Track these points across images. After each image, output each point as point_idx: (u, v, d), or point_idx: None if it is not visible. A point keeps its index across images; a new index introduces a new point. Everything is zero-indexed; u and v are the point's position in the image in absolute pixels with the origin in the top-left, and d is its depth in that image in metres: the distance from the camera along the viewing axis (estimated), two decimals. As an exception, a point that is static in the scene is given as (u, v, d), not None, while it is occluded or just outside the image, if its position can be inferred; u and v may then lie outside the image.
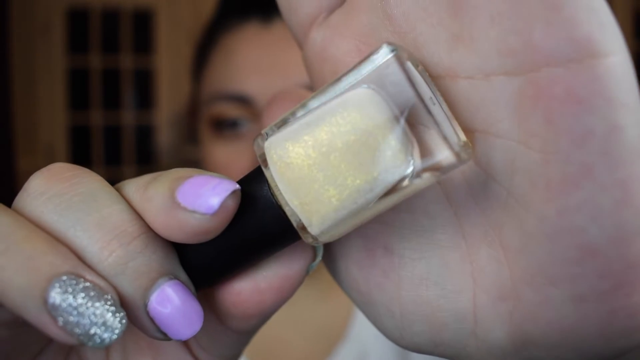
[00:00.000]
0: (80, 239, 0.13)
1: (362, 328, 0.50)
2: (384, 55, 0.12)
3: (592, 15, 0.11)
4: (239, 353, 0.19)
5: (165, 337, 0.14)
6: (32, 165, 1.53)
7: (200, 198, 0.13)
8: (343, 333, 0.50)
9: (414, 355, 0.49)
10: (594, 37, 0.10)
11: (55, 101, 1.51)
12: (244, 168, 0.47)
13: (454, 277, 0.14)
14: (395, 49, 0.12)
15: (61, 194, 0.13)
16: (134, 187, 0.14)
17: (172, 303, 0.13)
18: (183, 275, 0.15)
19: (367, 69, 0.12)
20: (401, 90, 0.12)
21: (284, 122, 0.13)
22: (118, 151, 1.58)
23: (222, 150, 0.48)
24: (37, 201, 0.13)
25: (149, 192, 0.14)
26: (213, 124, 0.48)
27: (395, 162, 0.12)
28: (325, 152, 0.12)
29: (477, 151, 0.13)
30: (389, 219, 0.15)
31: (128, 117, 1.59)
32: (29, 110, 1.49)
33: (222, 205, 0.13)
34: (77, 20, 1.52)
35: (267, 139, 0.13)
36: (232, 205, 0.14)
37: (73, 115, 1.54)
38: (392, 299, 0.15)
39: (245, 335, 0.18)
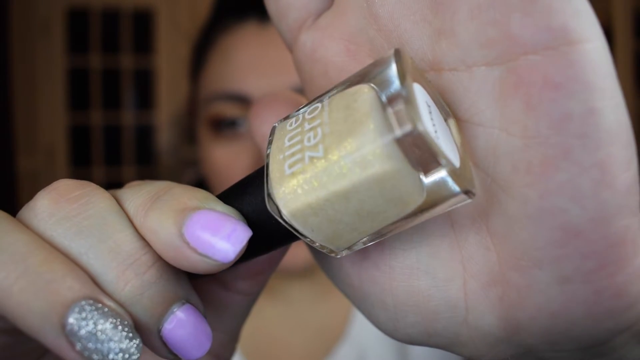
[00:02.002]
0: (94, 267, 0.13)
1: (361, 328, 0.50)
2: (391, 90, 0.12)
3: (567, 3, 0.11)
4: (239, 327, 0.19)
5: (177, 357, 0.14)
6: (32, 165, 1.53)
7: (214, 247, 0.13)
8: (342, 333, 0.50)
9: (413, 354, 0.49)
10: (569, 25, 0.11)
11: (55, 101, 1.51)
12: (242, 168, 0.47)
13: (444, 266, 0.14)
14: (410, 104, 0.11)
15: (70, 216, 0.13)
16: (132, 207, 0.14)
17: (184, 327, 0.14)
18: (194, 297, 0.15)
19: (382, 124, 0.12)
20: (419, 145, 0.11)
21: (293, 180, 0.12)
22: (118, 151, 1.58)
23: (221, 150, 0.48)
24: (46, 224, 0.13)
25: (150, 222, 0.14)
26: (211, 124, 0.48)
27: (415, 202, 0.12)
28: (345, 203, 0.12)
29: (463, 137, 0.13)
30: None
31: (128, 117, 1.59)
32: (29, 110, 1.49)
33: (237, 254, 0.13)
34: (77, 20, 1.52)
35: (280, 200, 0.13)
36: (245, 247, 0.14)
37: (73, 115, 1.54)
38: (385, 290, 0.15)
39: (250, 297, 0.18)
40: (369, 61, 0.15)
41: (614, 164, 0.11)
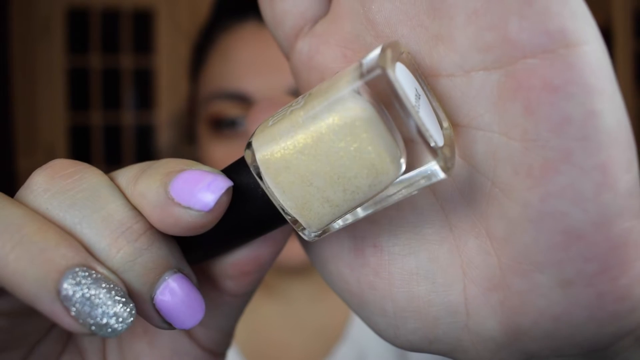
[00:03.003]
0: (88, 236, 0.13)
1: (360, 328, 0.50)
2: (372, 61, 0.12)
3: (564, 6, 0.11)
4: (233, 325, 0.19)
5: (170, 326, 0.15)
6: (32, 165, 1.52)
7: (196, 196, 0.13)
8: (341, 333, 0.50)
9: (413, 355, 0.49)
10: (567, 28, 0.11)
11: (55, 101, 1.51)
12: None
13: (443, 271, 0.14)
14: (384, 66, 0.12)
15: (64, 190, 0.14)
16: (124, 179, 0.15)
17: (176, 295, 0.14)
18: (186, 267, 0.15)
19: (356, 74, 0.12)
20: (390, 97, 0.12)
21: (275, 132, 0.13)
22: (118, 151, 1.58)
23: (221, 149, 0.48)
24: (41, 198, 0.14)
25: (140, 187, 0.14)
26: (211, 123, 0.48)
27: (387, 171, 0.12)
28: (320, 166, 0.13)
29: (460, 145, 0.13)
30: (376, 217, 0.16)
31: (128, 117, 1.59)
32: (29, 110, 1.49)
33: (218, 202, 0.14)
34: (77, 20, 1.52)
35: (258, 151, 0.13)
36: (226, 201, 0.14)
37: (73, 115, 1.54)
38: (385, 297, 0.15)
39: (241, 299, 0.18)
40: None
41: (615, 166, 0.11)
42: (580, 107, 0.11)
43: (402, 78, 0.12)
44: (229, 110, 0.47)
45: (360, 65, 0.12)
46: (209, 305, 0.18)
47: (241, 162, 0.15)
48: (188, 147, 0.59)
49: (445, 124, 0.13)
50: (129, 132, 1.60)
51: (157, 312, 0.14)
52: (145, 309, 0.14)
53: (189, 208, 0.13)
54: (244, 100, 0.46)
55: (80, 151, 1.55)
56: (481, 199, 0.13)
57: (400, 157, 0.12)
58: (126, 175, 0.15)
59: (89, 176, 0.14)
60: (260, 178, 0.14)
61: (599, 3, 1.55)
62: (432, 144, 0.12)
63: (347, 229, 0.16)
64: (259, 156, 0.13)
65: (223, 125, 0.48)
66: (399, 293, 0.15)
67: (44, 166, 0.14)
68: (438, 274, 0.14)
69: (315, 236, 0.14)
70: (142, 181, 0.14)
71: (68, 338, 0.18)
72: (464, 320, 0.14)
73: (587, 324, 0.12)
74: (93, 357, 0.18)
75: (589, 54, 0.11)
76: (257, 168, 0.13)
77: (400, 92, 0.11)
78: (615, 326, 0.12)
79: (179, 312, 0.14)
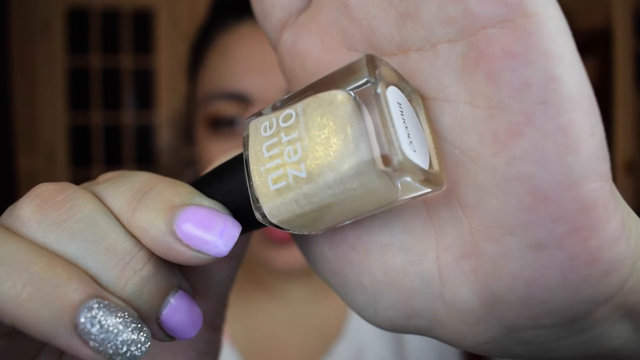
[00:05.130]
0: (94, 269, 0.13)
1: (358, 326, 0.50)
2: (362, 76, 0.12)
3: None
4: (227, 292, 0.20)
5: (172, 339, 0.15)
6: (32, 166, 1.53)
7: (209, 243, 0.14)
8: (339, 331, 0.50)
9: (410, 352, 0.49)
10: None
11: (55, 101, 1.52)
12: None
13: (417, 241, 0.15)
14: (372, 74, 0.12)
15: (59, 222, 0.13)
16: (117, 204, 0.14)
17: (179, 313, 0.15)
18: (184, 283, 0.16)
19: (362, 146, 0.12)
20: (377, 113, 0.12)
21: (280, 194, 0.13)
22: (118, 151, 1.58)
23: (219, 148, 0.48)
24: (35, 231, 0.13)
25: (139, 220, 0.14)
26: (210, 123, 0.48)
27: (389, 201, 0.13)
28: (325, 211, 0.13)
29: (430, 117, 0.14)
30: None
31: (128, 117, 1.59)
32: (29, 110, 1.49)
33: (230, 249, 0.14)
34: (77, 20, 1.53)
35: (264, 209, 0.14)
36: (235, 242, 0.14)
37: (73, 115, 1.54)
38: (362, 270, 0.16)
39: (232, 261, 0.19)
40: (341, 51, 0.16)
41: (578, 129, 0.11)
42: (540, 72, 0.11)
43: (393, 104, 0.12)
44: (228, 109, 0.47)
45: (361, 119, 0.13)
46: (204, 273, 0.18)
47: (236, 159, 0.15)
48: (187, 147, 0.59)
49: (429, 140, 0.14)
50: (128, 132, 1.60)
51: (162, 329, 0.15)
52: (151, 329, 0.14)
53: (200, 252, 0.14)
54: (242, 100, 0.46)
55: (80, 151, 1.55)
56: (451, 169, 0.14)
57: (398, 186, 0.13)
58: (118, 200, 0.14)
59: (81, 203, 0.14)
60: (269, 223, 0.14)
61: (599, 3, 1.55)
62: (422, 181, 0.12)
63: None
64: (274, 221, 0.14)
65: (221, 125, 0.48)
66: (375, 265, 0.15)
67: (30, 194, 0.14)
68: (412, 244, 0.15)
69: (314, 232, 0.15)
70: (141, 214, 0.14)
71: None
72: (438, 290, 0.14)
73: (561, 288, 0.12)
74: None
75: (546, 22, 0.11)
76: (265, 219, 0.14)
77: (415, 173, 0.12)
78: (589, 291, 0.12)
79: (181, 326, 0.15)
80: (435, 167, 0.13)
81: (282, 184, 0.13)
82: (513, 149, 0.12)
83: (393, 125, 0.12)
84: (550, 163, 0.11)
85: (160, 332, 0.15)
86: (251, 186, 0.14)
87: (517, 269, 0.12)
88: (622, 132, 1.52)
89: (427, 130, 0.14)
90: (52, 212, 0.13)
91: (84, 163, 1.54)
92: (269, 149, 0.13)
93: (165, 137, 1.48)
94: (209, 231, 0.14)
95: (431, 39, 0.13)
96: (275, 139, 0.13)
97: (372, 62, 0.12)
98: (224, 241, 0.14)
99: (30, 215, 0.13)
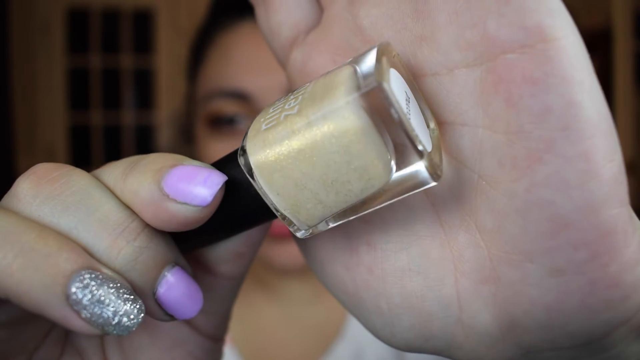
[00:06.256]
0: (86, 239, 0.13)
1: (358, 326, 0.50)
2: (369, 71, 0.12)
3: (540, 3, 0.11)
4: (229, 307, 0.20)
5: (172, 318, 0.15)
6: (32, 166, 1.52)
7: (192, 191, 0.14)
8: (339, 331, 0.50)
9: (410, 353, 0.49)
10: (544, 23, 0.11)
11: (55, 101, 1.51)
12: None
13: (435, 266, 0.14)
14: (380, 66, 0.12)
15: (54, 195, 0.13)
16: (111, 178, 0.15)
17: (177, 288, 0.15)
18: (182, 260, 0.15)
19: (352, 84, 0.12)
20: (384, 106, 0.12)
21: (268, 134, 0.13)
22: (118, 151, 1.58)
23: (220, 147, 0.47)
24: (30, 206, 0.13)
25: (130, 184, 0.14)
26: (210, 121, 0.48)
27: (379, 176, 0.13)
28: (313, 169, 0.13)
29: (446, 142, 0.14)
30: (369, 216, 0.16)
31: (128, 117, 1.59)
32: (29, 110, 1.49)
33: (215, 197, 0.14)
34: (77, 20, 1.53)
35: (251, 155, 0.14)
36: (222, 194, 0.14)
37: (73, 115, 1.54)
38: (379, 294, 0.15)
39: (234, 282, 0.19)
40: None
41: (598, 154, 0.11)
42: (560, 98, 0.11)
43: (396, 86, 0.12)
44: (228, 108, 0.47)
45: (355, 72, 0.12)
46: (205, 290, 0.18)
47: (233, 156, 0.15)
48: (187, 147, 0.59)
49: (432, 124, 0.13)
50: (128, 132, 1.60)
51: (160, 306, 0.14)
52: (148, 304, 0.14)
53: (185, 204, 0.14)
54: (242, 98, 0.46)
55: (80, 151, 1.55)
56: (469, 193, 0.13)
57: (391, 161, 0.13)
58: (113, 172, 0.15)
59: (76, 178, 0.14)
60: (253, 179, 0.14)
61: (599, 3, 1.55)
62: (421, 148, 0.12)
63: (341, 229, 0.16)
64: (253, 160, 0.13)
65: (221, 123, 0.48)
66: (392, 290, 0.15)
67: (27, 172, 0.14)
68: (430, 269, 0.15)
69: (306, 234, 0.14)
70: (133, 178, 0.14)
71: (65, 340, 0.18)
72: (457, 314, 0.14)
73: (580, 313, 0.12)
74: (93, 356, 0.18)
75: (566, 48, 0.11)
76: (250, 170, 0.14)
77: (395, 105, 0.12)
78: (608, 314, 0.12)
79: (180, 304, 0.15)
80: (436, 159, 0.13)
81: (273, 123, 0.13)
82: (533, 175, 0.12)
83: (384, 69, 0.12)
84: (571, 189, 0.11)
85: (157, 309, 0.14)
86: (245, 137, 0.14)
87: (537, 295, 0.12)
88: (622, 133, 1.52)
89: (436, 141, 0.13)
90: (47, 187, 0.14)
91: (84, 163, 1.53)
92: (274, 107, 0.14)
93: (165, 137, 1.48)
94: (192, 180, 0.14)
95: (448, 63, 0.13)
96: (283, 101, 0.14)
97: (384, 45, 0.12)
98: (208, 188, 0.14)
99: (27, 191, 0.14)
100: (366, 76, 0.12)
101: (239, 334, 0.49)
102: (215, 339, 0.19)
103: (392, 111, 0.12)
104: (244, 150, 0.14)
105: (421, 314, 0.15)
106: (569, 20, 0.11)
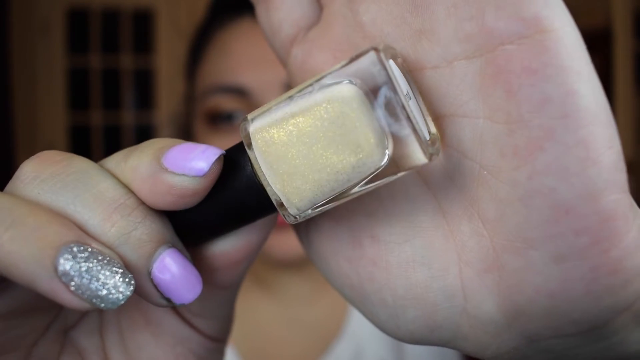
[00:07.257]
0: (81, 214, 0.13)
1: (358, 325, 0.50)
2: (367, 54, 0.13)
3: None
4: (230, 311, 0.19)
5: (170, 302, 0.15)
6: (32, 165, 1.53)
7: (189, 163, 0.14)
8: (339, 330, 0.50)
9: (409, 351, 0.49)
10: (541, 14, 0.12)
11: (55, 101, 1.52)
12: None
13: (438, 256, 0.15)
14: (378, 48, 0.13)
15: (54, 175, 0.14)
16: (113, 161, 0.15)
17: (173, 269, 0.14)
18: (179, 244, 0.15)
19: (351, 66, 0.13)
20: (381, 86, 0.12)
21: (269, 110, 0.14)
22: (118, 151, 1.58)
23: (219, 144, 0.47)
24: (30, 185, 0.14)
25: (131, 161, 0.14)
26: (209, 118, 0.48)
27: (372, 154, 0.13)
28: (307, 142, 0.13)
29: (447, 134, 0.14)
30: (372, 209, 0.16)
31: (128, 117, 1.59)
32: (29, 110, 1.49)
33: (211, 168, 0.14)
34: (77, 20, 1.53)
35: (252, 123, 0.14)
36: (218, 168, 0.14)
37: (73, 115, 1.54)
38: (383, 286, 0.16)
39: (231, 289, 0.19)
40: None
41: (597, 141, 0.11)
42: (558, 87, 0.11)
43: (397, 72, 0.12)
44: (226, 104, 0.47)
45: (357, 57, 0.13)
46: (202, 298, 0.18)
47: (234, 149, 0.15)
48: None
49: (433, 130, 0.13)
50: (128, 132, 1.60)
51: (156, 287, 0.14)
52: (143, 284, 0.14)
53: (182, 175, 0.14)
54: (241, 94, 0.46)
55: (80, 151, 1.54)
56: (471, 184, 0.14)
57: (387, 146, 0.13)
58: (115, 157, 0.15)
59: (78, 161, 0.14)
60: (251, 149, 0.14)
61: (599, 3, 1.55)
62: (417, 130, 0.12)
63: (344, 222, 0.16)
64: (251, 129, 0.14)
65: (220, 119, 0.48)
66: (397, 281, 0.15)
67: (32, 157, 0.14)
68: (434, 259, 0.15)
69: (296, 217, 0.14)
70: (134, 156, 0.14)
71: (65, 338, 0.17)
72: (461, 304, 0.14)
73: (583, 299, 0.12)
74: (93, 355, 0.18)
75: (563, 38, 0.12)
76: (248, 138, 0.14)
77: (390, 75, 0.12)
78: (611, 300, 0.12)
79: (177, 286, 0.14)
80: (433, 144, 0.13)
81: (276, 99, 0.14)
82: (534, 163, 0.12)
83: (384, 46, 0.12)
84: (571, 176, 0.12)
85: (153, 290, 0.14)
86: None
87: (540, 282, 0.12)
88: (621, 132, 1.51)
89: (435, 132, 0.14)
90: (49, 168, 0.14)
91: (84, 163, 1.53)
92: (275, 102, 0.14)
93: (165, 136, 1.48)
94: (191, 153, 0.14)
95: (448, 56, 0.13)
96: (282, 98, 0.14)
97: (387, 45, 0.13)
98: (205, 159, 0.14)
99: (29, 173, 0.14)
100: (361, 51, 0.13)
101: (238, 333, 0.49)
102: (218, 339, 0.19)
103: (388, 82, 0.12)
104: (246, 119, 0.14)
105: (426, 305, 0.15)
106: (566, 11, 0.12)
